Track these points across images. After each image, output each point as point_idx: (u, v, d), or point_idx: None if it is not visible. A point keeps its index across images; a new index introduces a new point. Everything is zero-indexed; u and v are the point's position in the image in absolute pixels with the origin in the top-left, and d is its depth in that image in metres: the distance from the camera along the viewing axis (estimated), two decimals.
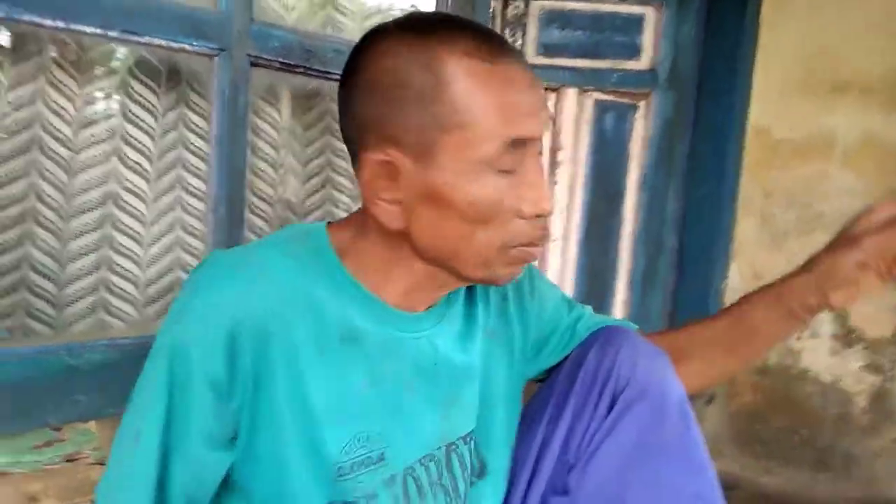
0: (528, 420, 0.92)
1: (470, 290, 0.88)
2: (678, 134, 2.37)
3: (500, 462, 0.90)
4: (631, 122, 2.39)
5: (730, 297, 2.36)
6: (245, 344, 0.68)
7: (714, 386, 1.06)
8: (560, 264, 2.43)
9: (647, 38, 2.34)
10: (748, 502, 2.15)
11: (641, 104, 2.38)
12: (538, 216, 0.73)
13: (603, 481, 0.82)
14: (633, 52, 2.35)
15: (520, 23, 2.34)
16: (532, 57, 2.36)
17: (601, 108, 2.39)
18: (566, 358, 0.93)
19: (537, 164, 0.74)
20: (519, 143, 0.70)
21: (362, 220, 0.77)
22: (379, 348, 0.76)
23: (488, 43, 0.70)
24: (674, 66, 2.32)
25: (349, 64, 0.75)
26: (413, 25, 0.73)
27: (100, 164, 1.17)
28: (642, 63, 2.36)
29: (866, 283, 0.86)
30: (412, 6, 1.62)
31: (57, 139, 1.12)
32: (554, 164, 2.40)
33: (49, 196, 1.12)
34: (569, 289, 2.44)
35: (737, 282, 2.35)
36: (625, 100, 2.38)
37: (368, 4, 1.54)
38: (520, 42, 2.35)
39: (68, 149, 1.13)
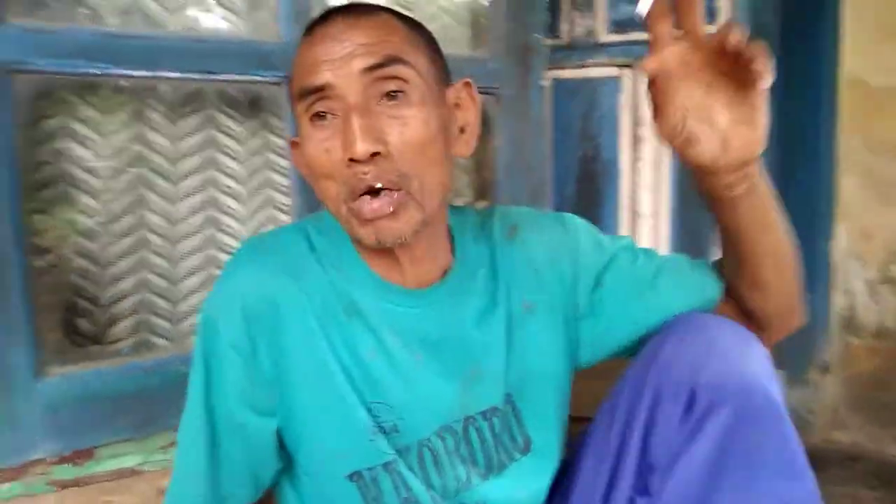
0: (606, 414, 0.87)
1: (494, 268, 0.89)
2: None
3: (547, 437, 0.91)
4: None
5: (839, 259, 2.24)
6: (259, 313, 0.76)
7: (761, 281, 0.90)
8: (652, 241, 2.41)
9: (724, 0, 2.27)
10: (874, 473, 2.04)
11: None
12: (351, 160, 0.71)
13: (687, 487, 0.75)
14: (709, 15, 2.29)
15: (588, 2, 2.33)
16: (604, 35, 2.35)
17: None
18: (643, 346, 0.86)
19: (351, 111, 0.72)
20: (314, 92, 0.72)
21: None
22: (380, 321, 0.82)
23: (327, 16, 0.76)
24: (754, 24, 2.24)
25: None
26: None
27: (198, 192, 1.30)
28: (720, 24, 2.28)
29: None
30: None
31: (158, 174, 1.25)
32: (636, 140, 2.38)
33: (157, 224, 1.26)
34: None
35: (844, 242, 2.24)
36: None
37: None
38: (590, 21, 2.34)
39: (169, 181, 1.27)
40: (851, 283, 2.24)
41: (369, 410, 0.80)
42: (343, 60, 0.72)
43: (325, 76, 0.72)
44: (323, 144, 0.73)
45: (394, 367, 0.82)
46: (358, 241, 0.79)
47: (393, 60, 0.73)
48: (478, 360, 0.86)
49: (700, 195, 0.83)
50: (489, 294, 0.88)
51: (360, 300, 0.82)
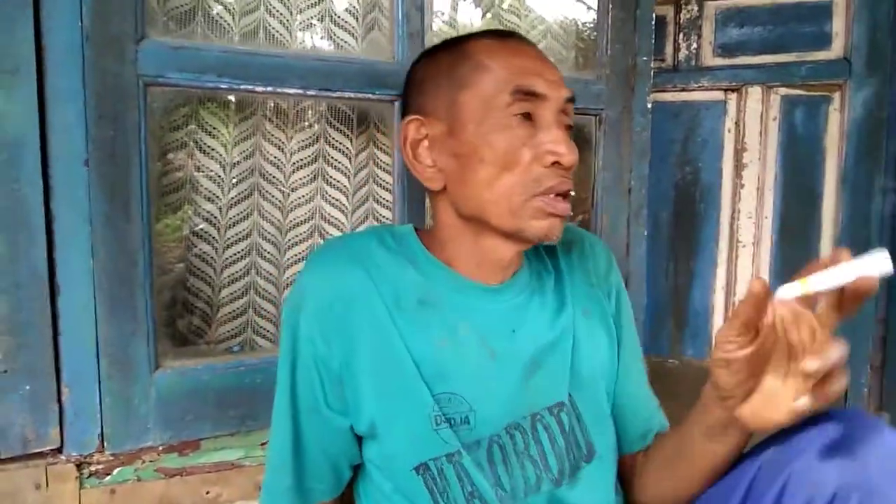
0: (725, 487, 0.84)
1: (559, 274, 0.94)
2: (881, 124, 2.17)
3: (607, 443, 0.93)
4: (824, 116, 2.24)
5: None
6: (331, 305, 0.82)
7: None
8: (752, 271, 2.33)
9: (837, 26, 2.19)
10: None
11: (835, 96, 2.22)
12: (555, 163, 0.80)
13: None
14: (822, 41, 2.21)
15: (694, 25, 2.30)
16: (709, 59, 2.31)
17: (789, 104, 2.27)
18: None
19: (555, 122, 0.82)
20: (528, 94, 0.80)
21: (434, 205, 0.90)
22: (454, 312, 0.85)
23: (501, 32, 0.89)
24: (871, 51, 2.14)
25: (406, 75, 0.93)
26: (448, 39, 0.91)
27: (306, 202, 1.35)
28: (833, 52, 2.20)
29: (771, 392, 0.70)
30: (568, 15, 1.67)
31: (272, 183, 1.32)
32: (739, 165, 2.31)
33: (268, 232, 1.32)
34: None
35: None
36: (816, 93, 2.23)
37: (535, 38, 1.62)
38: (695, 45, 2.30)
39: (281, 191, 1.33)
40: None
41: (437, 401, 0.83)
42: (557, 83, 0.83)
43: (542, 86, 0.81)
44: (524, 141, 0.80)
45: (466, 358, 0.85)
46: (499, 230, 0.83)
47: (573, 101, 0.87)
48: (546, 357, 0.89)
49: (703, 428, 0.82)
50: (558, 295, 0.93)
51: (434, 292, 0.86)
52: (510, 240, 0.85)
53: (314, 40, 1.32)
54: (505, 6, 1.56)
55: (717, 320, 2.38)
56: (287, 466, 0.86)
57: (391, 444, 0.84)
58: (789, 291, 0.66)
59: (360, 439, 0.88)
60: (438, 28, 1.50)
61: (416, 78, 0.90)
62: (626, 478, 0.99)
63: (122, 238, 1.05)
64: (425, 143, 0.86)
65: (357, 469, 0.92)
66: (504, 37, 0.87)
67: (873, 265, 0.61)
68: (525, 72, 0.82)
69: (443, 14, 1.52)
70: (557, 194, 0.81)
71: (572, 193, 0.85)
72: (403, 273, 0.86)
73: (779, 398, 0.70)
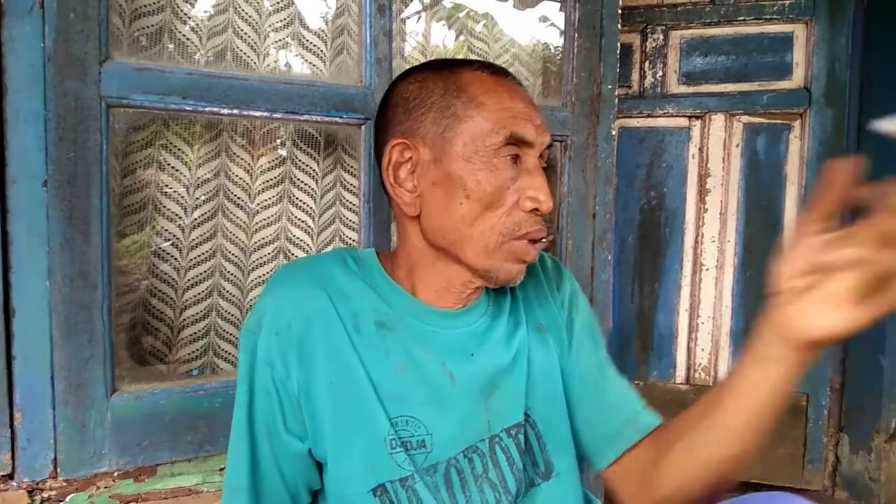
0: None
1: (514, 292, 0.95)
2: (839, 152, 2.24)
3: (567, 462, 0.92)
4: (785, 144, 2.30)
5: None
6: (290, 327, 0.82)
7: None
8: (715, 295, 2.37)
9: (798, 56, 2.26)
10: None
11: (796, 124, 2.28)
12: (535, 210, 0.82)
13: None
14: (783, 71, 2.27)
15: (660, 53, 2.35)
16: (674, 86, 2.36)
17: (752, 132, 2.32)
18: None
19: (538, 168, 0.84)
20: (519, 142, 0.82)
21: (402, 228, 0.90)
22: (413, 337, 0.86)
23: (496, 68, 0.88)
24: (829, 81, 2.21)
25: (387, 90, 0.91)
26: (437, 61, 0.90)
27: (272, 224, 1.35)
28: (794, 82, 2.27)
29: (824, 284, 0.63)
30: (537, 40, 1.69)
31: (237, 204, 1.31)
32: (703, 191, 2.36)
33: (231, 253, 1.31)
34: (726, 321, 2.37)
35: None
36: (777, 121, 2.29)
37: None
38: (660, 73, 2.35)
39: (246, 212, 1.32)
40: None
41: (393, 424, 0.83)
42: (542, 129, 0.85)
43: (532, 134, 0.83)
44: (509, 184, 0.82)
45: (424, 382, 0.85)
46: (468, 266, 0.85)
47: (550, 146, 0.88)
48: (503, 379, 0.89)
49: (748, 357, 0.74)
50: (513, 315, 0.94)
51: (393, 316, 0.86)
52: (476, 275, 0.86)
53: (282, 63, 1.32)
54: (475, 31, 1.58)
55: (682, 342, 2.41)
56: (244, 491, 0.85)
57: (347, 466, 0.83)
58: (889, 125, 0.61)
59: (320, 465, 0.87)
60: (409, 53, 1.51)
61: (401, 97, 0.88)
62: (616, 491, 0.96)
63: (80, 260, 1.03)
64: (408, 166, 0.86)
65: (316, 495, 0.91)
66: (498, 73, 0.87)
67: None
68: (519, 116, 0.83)
69: (417, 34, 1.53)
70: (531, 241, 0.84)
71: (546, 241, 0.87)
72: (363, 296, 0.86)
73: (825, 308, 0.63)
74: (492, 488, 0.86)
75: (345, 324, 0.83)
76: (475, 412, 0.87)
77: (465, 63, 0.88)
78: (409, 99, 0.87)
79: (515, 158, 0.83)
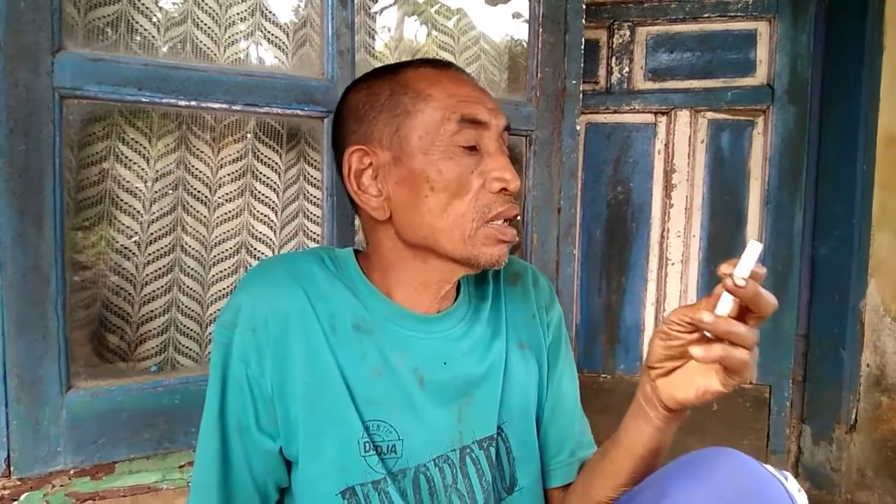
0: None
1: (498, 305, 0.95)
2: (801, 148, 2.27)
3: (533, 478, 0.94)
4: (749, 140, 2.33)
5: (870, 317, 2.21)
6: (267, 324, 0.81)
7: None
8: (680, 288, 2.39)
9: (762, 53, 2.29)
10: None
11: (759, 120, 2.31)
12: (502, 189, 0.82)
13: None
14: (747, 68, 2.30)
15: (626, 50, 2.36)
16: (640, 82, 2.38)
17: (716, 128, 2.35)
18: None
19: (499, 149, 0.85)
20: (473, 123, 0.82)
21: (373, 233, 0.90)
22: (389, 341, 0.86)
23: (437, 61, 0.90)
24: (792, 79, 2.25)
25: (337, 105, 0.92)
26: (381, 68, 0.91)
27: (233, 218, 1.33)
28: (757, 79, 2.30)
29: (690, 373, 0.76)
30: (509, 37, 1.70)
31: (197, 198, 1.29)
32: (669, 186, 2.38)
33: (192, 248, 1.29)
34: None
35: (877, 301, 2.20)
36: (741, 117, 2.32)
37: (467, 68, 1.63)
38: (626, 69, 2.36)
39: (207, 206, 1.30)
40: (883, 341, 2.20)
41: (366, 427, 0.83)
42: (495, 111, 0.85)
43: (484, 115, 0.83)
44: (471, 168, 0.83)
45: (397, 387, 0.85)
46: (449, 258, 0.84)
47: (508, 128, 0.89)
48: (476, 388, 0.90)
49: (634, 408, 0.85)
50: (493, 326, 0.94)
51: (370, 319, 0.86)
52: (458, 265, 0.86)
53: (244, 55, 1.31)
54: (443, 26, 1.58)
55: (648, 336, 2.44)
56: (213, 489, 0.84)
57: (318, 467, 0.83)
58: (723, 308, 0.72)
59: (289, 463, 0.87)
60: (379, 50, 1.50)
61: (351, 107, 0.88)
62: None
63: (33, 255, 1.01)
64: (369, 172, 0.85)
65: (283, 493, 0.91)
66: (440, 66, 0.88)
67: (751, 253, 0.68)
68: (467, 100, 0.83)
69: (389, 30, 1.53)
70: (506, 220, 0.84)
71: (518, 218, 0.88)
72: (341, 298, 0.86)
73: (691, 379, 0.77)
74: (460, 499, 0.87)
75: (322, 324, 0.83)
76: (446, 421, 0.87)
77: (407, 64, 0.89)
78: (358, 107, 0.87)
79: (473, 146, 0.83)
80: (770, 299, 0.70)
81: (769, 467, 0.72)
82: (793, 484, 0.72)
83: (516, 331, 0.96)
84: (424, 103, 0.83)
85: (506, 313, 0.96)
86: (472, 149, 0.83)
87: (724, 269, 0.69)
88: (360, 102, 0.87)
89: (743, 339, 0.70)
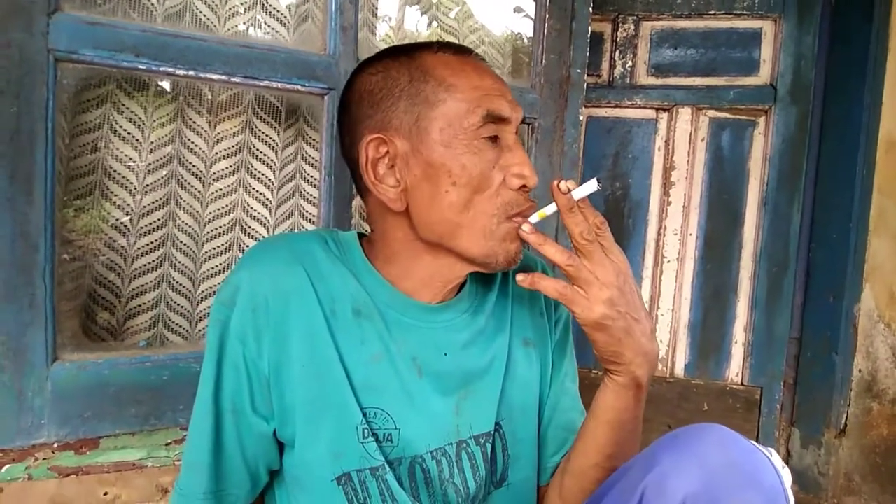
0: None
1: (504, 299, 0.93)
2: (801, 150, 2.26)
3: (525, 474, 0.92)
4: (749, 140, 2.32)
5: (863, 322, 2.21)
6: (267, 304, 0.79)
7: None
8: (675, 287, 2.38)
9: (766, 53, 2.27)
10: None
11: (761, 120, 2.30)
12: (523, 186, 0.80)
13: None
14: (751, 67, 2.29)
15: (630, 44, 2.35)
16: (643, 77, 2.36)
17: (717, 126, 2.34)
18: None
19: (518, 143, 0.83)
20: (496, 119, 0.80)
21: (382, 221, 0.87)
22: (389, 329, 0.84)
23: (457, 46, 0.86)
24: (795, 79, 2.23)
25: (346, 86, 0.88)
26: (394, 48, 0.87)
27: (228, 194, 1.31)
28: (761, 78, 2.28)
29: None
30: (510, 30, 1.68)
31: (192, 173, 1.27)
32: (667, 183, 2.37)
33: (185, 223, 1.27)
34: (685, 313, 2.39)
35: (871, 306, 2.20)
36: (742, 116, 2.31)
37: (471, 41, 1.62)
38: (630, 64, 2.35)
39: (201, 181, 1.28)
40: (875, 347, 2.20)
41: (364, 413, 0.81)
42: (514, 104, 0.83)
43: (507, 110, 0.81)
44: (493, 164, 0.80)
45: (395, 376, 0.83)
46: (465, 256, 0.82)
47: (524, 120, 0.89)
48: (475, 382, 0.88)
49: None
50: (496, 321, 0.92)
51: (371, 305, 0.84)
52: (472, 264, 0.84)
53: (244, 29, 1.28)
54: (443, 10, 1.56)
55: None
56: (204, 468, 0.82)
57: (313, 451, 0.81)
58: (534, 218, 0.80)
59: (281, 445, 0.85)
60: (385, 33, 1.48)
61: (366, 90, 0.84)
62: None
63: (22, 221, 0.98)
64: (385, 161, 0.82)
65: (273, 476, 0.89)
66: (460, 52, 0.85)
67: (588, 187, 0.76)
68: (492, 94, 0.81)
69: (389, 18, 1.50)
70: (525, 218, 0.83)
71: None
72: (343, 282, 0.83)
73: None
74: (456, 493, 0.85)
75: (323, 306, 0.81)
76: (443, 413, 0.85)
77: (424, 46, 0.85)
78: (373, 91, 0.83)
79: (494, 137, 0.81)
80: (571, 220, 0.76)
81: (754, 442, 0.72)
82: (777, 459, 0.71)
83: (522, 327, 0.94)
84: (447, 93, 0.79)
85: (512, 309, 0.93)
86: (494, 141, 0.81)
87: (566, 183, 0.76)
88: (376, 87, 0.83)
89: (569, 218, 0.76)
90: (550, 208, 0.79)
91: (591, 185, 0.77)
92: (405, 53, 0.84)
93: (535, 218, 0.80)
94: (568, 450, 0.95)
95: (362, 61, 0.88)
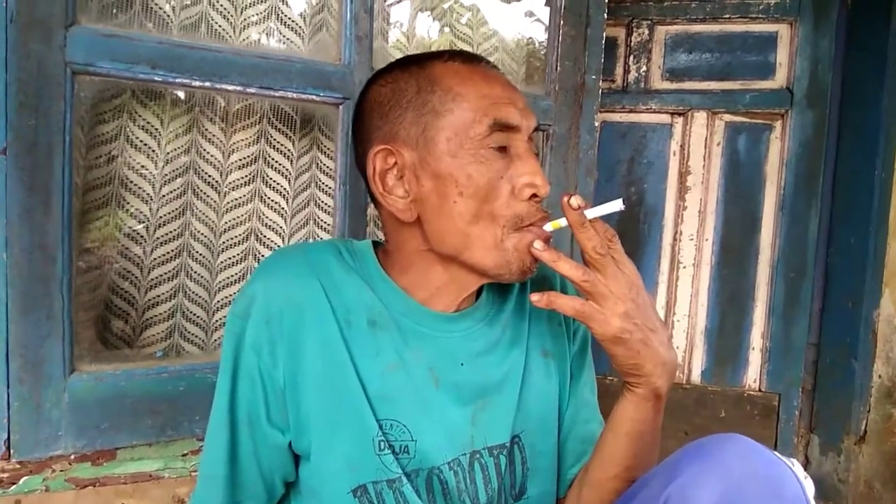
0: None
1: (522, 309, 0.92)
2: (819, 154, 2.24)
3: (543, 489, 0.91)
4: (766, 144, 2.30)
5: (883, 327, 2.18)
6: (281, 315, 0.78)
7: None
8: (691, 292, 2.36)
9: (782, 56, 2.25)
10: None
11: (777, 124, 2.28)
12: (533, 196, 0.79)
13: None
14: (767, 71, 2.27)
15: (644, 49, 2.33)
16: (658, 82, 2.35)
17: (733, 131, 2.32)
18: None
19: (529, 152, 0.81)
20: (505, 128, 0.79)
21: (395, 232, 0.86)
22: (405, 339, 0.83)
23: (467, 55, 0.85)
24: (812, 83, 2.21)
25: (359, 97, 0.88)
26: (406, 59, 0.87)
27: (244, 204, 1.31)
28: (776, 82, 2.26)
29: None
30: (522, 35, 1.67)
31: (208, 183, 1.27)
32: (683, 188, 2.35)
33: (201, 233, 1.27)
34: (701, 319, 2.37)
35: (891, 311, 2.17)
36: (758, 121, 2.29)
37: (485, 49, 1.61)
38: (644, 68, 2.34)
39: (217, 191, 1.28)
40: (895, 352, 2.17)
41: (380, 425, 0.80)
42: (526, 112, 0.82)
43: (517, 118, 0.80)
44: (501, 173, 0.79)
45: (411, 387, 0.82)
46: (478, 268, 0.81)
47: (538, 128, 0.86)
48: (492, 392, 0.87)
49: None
50: (513, 331, 0.91)
51: (386, 315, 0.83)
52: (485, 276, 0.83)
53: (259, 38, 1.28)
54: (461, 20, 1.55)
55: None
56: (220, 480, 0.82)
57: (329, 464, 0.80)
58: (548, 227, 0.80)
59: (297, 457, 0.85)
60: (396, 39, 1.48)
61: (375, 101, 0.84)
62: None
63: (40, 233, 0.99)
64: (394, 172, 0.81)
65: (288, 488, 0.89)
66: (470, 60, 0.84)
67: (611, 207, 0.75)
68: (500, 102, 0.80)
69: (401, 25, 1.50)
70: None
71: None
72: (358, 292, 0.83)
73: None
74: (471, 501, 0.85)
75: (337, 317, 0.80)
76: (460, 423, 0.84)
77: (435, 55, 0.84)
78: (382, 102, 0.83)
79: (503, 147, 0.79)
80: (583, 235, 0.75)
81: (776, 453, 0.71)
82: (799, 469, 0.71)
83: (540, 338, 0.92)
84: (454, 103, 0.79)
85: (529, 319, 0.92)
86: (503, 150, 0.79)
87: (576, 198, 0.75)
88: (385, 98, 0.83)
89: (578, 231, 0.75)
90: (564, 220, 0.77)
91: (615, 205, 0.75)
92: (416, 63, 0.84)
93: (548, 227, 0.79)
94: (586, 461, 0.94)
95: (375, 72, 0.88)
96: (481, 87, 0.80)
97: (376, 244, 0.90)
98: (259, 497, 0.84)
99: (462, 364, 0.85)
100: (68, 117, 1.00)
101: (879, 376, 2.19)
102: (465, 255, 0.80)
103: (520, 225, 0.79)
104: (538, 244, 0.77)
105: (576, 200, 0.74)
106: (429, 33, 1.55)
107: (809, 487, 0.70)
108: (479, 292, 0.90)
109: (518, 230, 0.79)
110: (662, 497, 0.69)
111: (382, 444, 0.80)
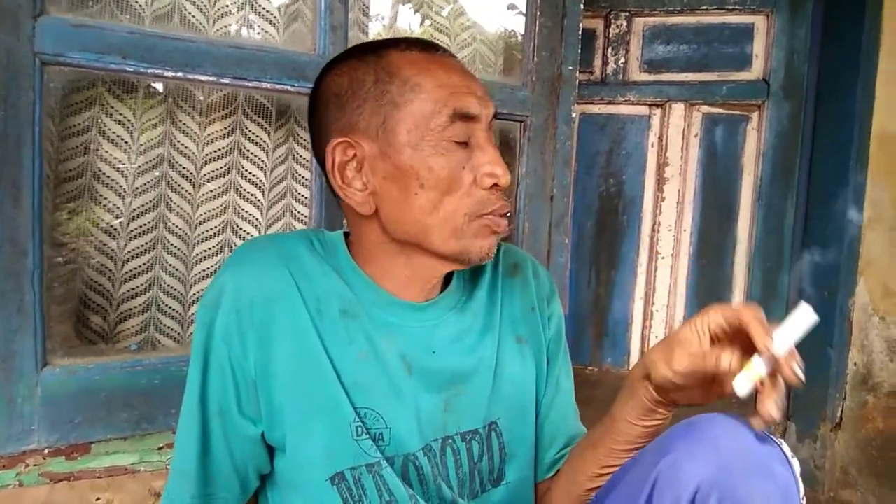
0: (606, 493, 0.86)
1: (493, 296, 0.92)
2: (795, 145, 2.26)
3: (521, 474, 0.92)
4: (743, 135, 2.32)
5: (858, 316, 2.21)
6: (251, 306, 0.78)
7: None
8: (670, 283, 2.38)
9: (758, 48, 2.27)
10: None
11: (754, 116, 2.30)
12: (494, 185, 0.79)
13: None
14: (743, 62, 2.29)
15: (623, 40, 2.34)
16: (636, 74, 2.36)
17: (710, 122, 2.34)
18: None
19: (489, 141, 0.81)
20: (465, 117, 0.79)
21: (356, 224, 0.86)
22: (376, 328, 0.83)
23: (424, 44, 0.84)
24: (788, 74, 2.23)
25: (313, 88, 0.87)
26: (361, 46, 0.86)
27: (219, 196, 1.30)
28: (753, 73, 2.28)
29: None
30: (502, 28, 1.67)
31: (182, 175, 1.26)
32: (661, 180, 2.37)
33: (175, 226, 1.26)
34: (679, 310, 2.39)
35: (866, 300, 2.20)
36: (735, 112, 2.31)
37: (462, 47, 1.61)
38: (622, 60, 2.34)
39: (192, 183, 1.27)
40: (870, 340, 2.20)
41: (357, 412, 0.80)
42: (485, 100, 0.81)
43: (476, 107, 0.79)
44: (462, 164, 0.79)
45: (384, 375, 0.82)
46: (439, 254, 0.81)
47: (497, 116, 0.85)
48: (464, 379, 0.87)
49: (626, 391, 0.84)
50: (485, 318, 0.91)
51: (357, 305, 0.83)
52: (447, 261, 0.83)
53: (233, 29, 1.27)
54: (435, 9, 1.55)
55: (636, 330, 2.43)
56: (192, 473, 0.81)
57: (305, 453, 0.80)
58: (745, 385, 0.71)
59: (271, 449, 0.84)
60: (378, 33, 1.47)
61: (332, 92, 0.83)
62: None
63: (9, 226, 0.98)
64: (353, 164, 0.81)
65: (264, 479, 0.88)
66: (427, 49, 0.83)
67: (802, 321, 0.70)
68: (459, 91, 0.79)
69: (382, 18, 1.50)
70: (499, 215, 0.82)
71: (509, 214, 0.85)
72: (328, 281, 0.82)
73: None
74: (449, 488, 0.85)
75: (308, 307, 0.80)
76: (432, 411, 0.84)
77: (391, 43, 0.83)
78: (339, 93, 0.81)
79: (465, 140, 0.79)
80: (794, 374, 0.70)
81: (764, 431, 0.72)
82: (787, 449, 0.73)
83: (513, 324, 0.93)
84: (413, 93, 0.78)
85: (502, 306, 0.92)
86: (464, 143, 0.80)
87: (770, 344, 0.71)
88: (342, 88, 0.81)
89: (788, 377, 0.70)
90: (760, 368, 0.70)
91: (808, 317, 0.70)
92: (373, 52, 0.82)
93: (747, 385, 0.70)
94: (565, 450, 0.95)
95: (329, 61, 0.87)
96: (440, 76, 0.79)
97: (347, 234, 0.90)
98: (232, 490, 0.84)
99: (434, 352, 0.85)
100: (38, 109, 0.99)
101: (855, 364, 2.22)
102: (424, 243, 0.81)
103: (480, 212, 0.80)
104: (756, 423, 0.71)
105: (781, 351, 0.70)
106: (409, 25, 1.55)
107: (796, 466, 0.72)
108: (448, 280, 0.90)
109: (478, 217, 0.80)
110: (654, 473, 0.71)
111: (360, 429, 0.80)
